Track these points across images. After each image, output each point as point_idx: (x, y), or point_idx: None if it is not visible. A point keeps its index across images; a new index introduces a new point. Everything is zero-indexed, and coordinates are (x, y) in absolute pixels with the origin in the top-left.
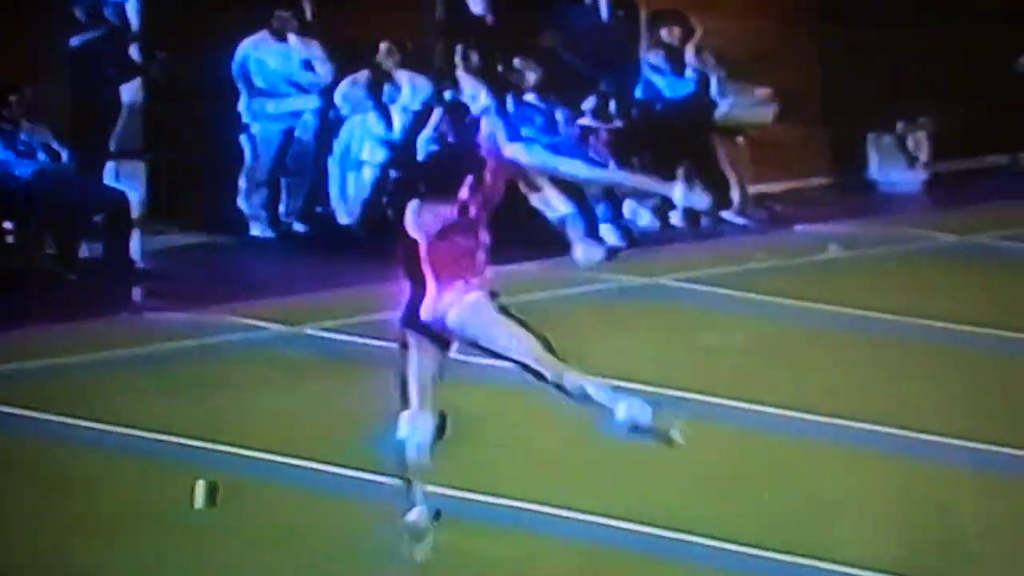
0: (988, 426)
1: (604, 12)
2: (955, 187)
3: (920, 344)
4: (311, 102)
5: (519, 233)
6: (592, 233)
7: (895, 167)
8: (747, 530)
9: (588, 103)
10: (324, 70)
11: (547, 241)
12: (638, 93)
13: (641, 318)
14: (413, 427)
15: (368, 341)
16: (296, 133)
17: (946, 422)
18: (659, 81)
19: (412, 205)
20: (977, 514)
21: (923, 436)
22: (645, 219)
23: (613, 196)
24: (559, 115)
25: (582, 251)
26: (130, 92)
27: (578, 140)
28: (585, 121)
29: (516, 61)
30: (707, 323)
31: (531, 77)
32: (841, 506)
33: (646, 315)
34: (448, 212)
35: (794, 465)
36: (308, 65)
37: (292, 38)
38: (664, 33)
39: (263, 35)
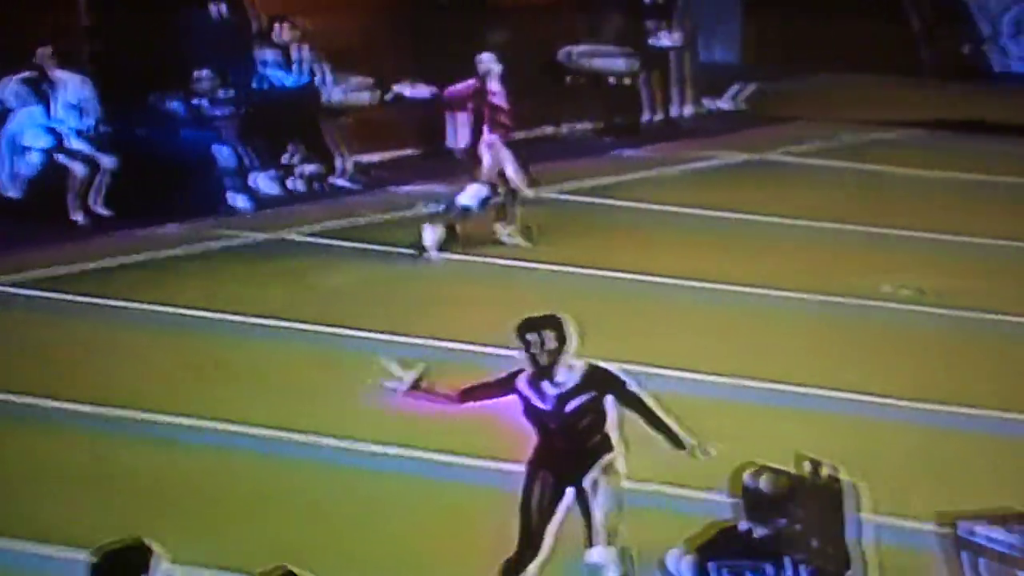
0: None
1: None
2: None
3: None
4: None
5: None
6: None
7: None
8: None
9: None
10: None
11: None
12: (255, 84)
13: (269, 268)
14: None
15: (32, 293)
16: None
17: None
18: (273, 74)
19: None
20: None
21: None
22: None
23: (242, 170)
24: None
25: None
26: None
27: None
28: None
29: None
30: (322, 268)
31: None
32: None
33: (272, 265)
34: None
35: None
36: None
37: None
38: (274, 33)
39: None
